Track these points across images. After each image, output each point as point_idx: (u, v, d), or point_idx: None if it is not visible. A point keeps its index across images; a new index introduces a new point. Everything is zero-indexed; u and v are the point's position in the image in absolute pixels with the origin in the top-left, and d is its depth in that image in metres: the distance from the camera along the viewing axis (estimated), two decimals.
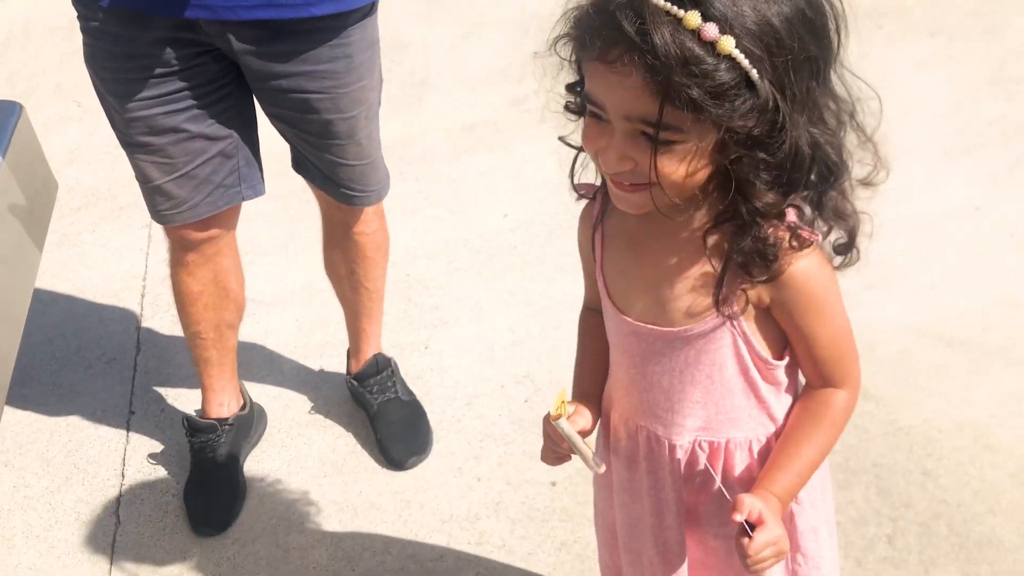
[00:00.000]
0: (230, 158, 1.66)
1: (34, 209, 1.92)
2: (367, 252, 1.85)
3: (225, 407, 1.91)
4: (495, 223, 2.65)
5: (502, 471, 1.86)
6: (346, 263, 1.88)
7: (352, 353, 2.05)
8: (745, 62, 0.77)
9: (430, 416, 1.99)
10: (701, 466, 1.06)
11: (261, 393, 2.13)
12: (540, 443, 1.86)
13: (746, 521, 0.90)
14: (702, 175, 0.85)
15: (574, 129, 0.98)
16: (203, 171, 1.63)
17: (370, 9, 1.55)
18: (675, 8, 0.76)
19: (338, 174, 1.70)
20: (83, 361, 2.31)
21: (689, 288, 0.95)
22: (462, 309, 2.32)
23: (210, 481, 1.88)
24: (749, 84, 0.78)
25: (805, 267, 0.91)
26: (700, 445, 1.05)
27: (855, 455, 1.80)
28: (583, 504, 1.77)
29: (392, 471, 1.89)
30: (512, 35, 3.80)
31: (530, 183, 2.82)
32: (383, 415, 1.95)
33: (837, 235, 0.93)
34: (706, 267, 0.93)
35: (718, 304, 0.92)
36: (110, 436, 2.08)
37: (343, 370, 2.12)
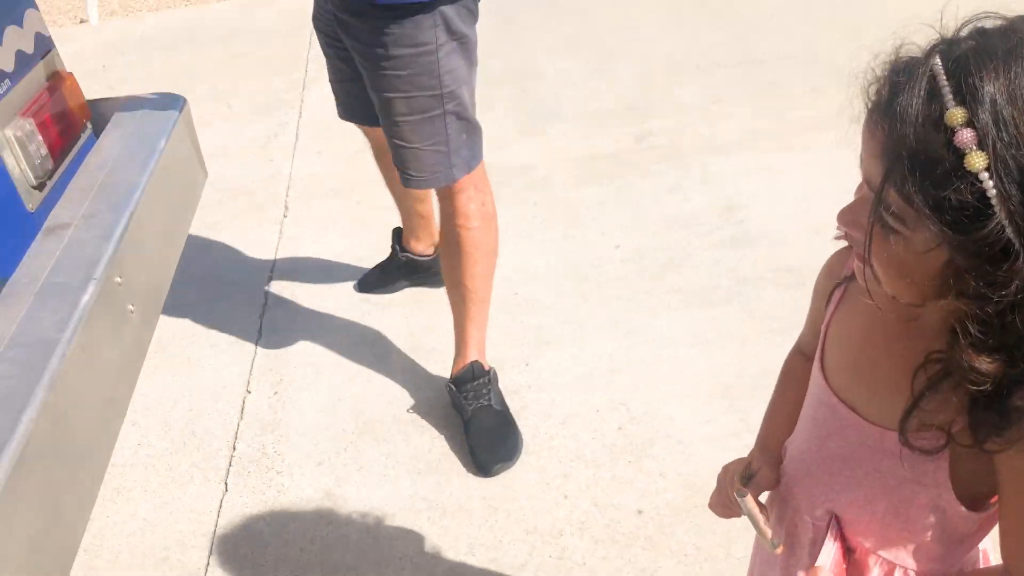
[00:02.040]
0: None
1: (185, 192, 2.10)
2: (466, 247, 1.97)
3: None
4: (607, 253, 2.69)
5: (590, 492, 1.89)
6: (448, 256, 2.02)
7: (455, 357, 2.13)
8: (992, 191, 0.63)
9: (524, 430, 2.04)
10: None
11: (368, 388, 2.23)
12: (630, 470, 1.91)
13: None
14: (922, 290, 0.72)
15: None
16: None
17: (418, 10, 1.71)
18: (947, 92, 0.64)
19: (392, 150, 1.93)
20: (210, 339, 2.48)
21: (901, 392, 0.80)
22: (565, 332, 2.37)
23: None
24: (987, 214, 0.64)
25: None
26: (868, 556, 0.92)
27: None
28: (667, 535, 1.77)
29: (481, 477, 1.95)
30: (641, 73, 3.86)
31: (646, 218, 2.85)
32: (475, 421, 2.02)
33: None
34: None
35: (903, 428, 0.79)
36: (227, 410, 2.22)
37: (448, 375, 2.20)
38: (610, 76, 3.88)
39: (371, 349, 2.38)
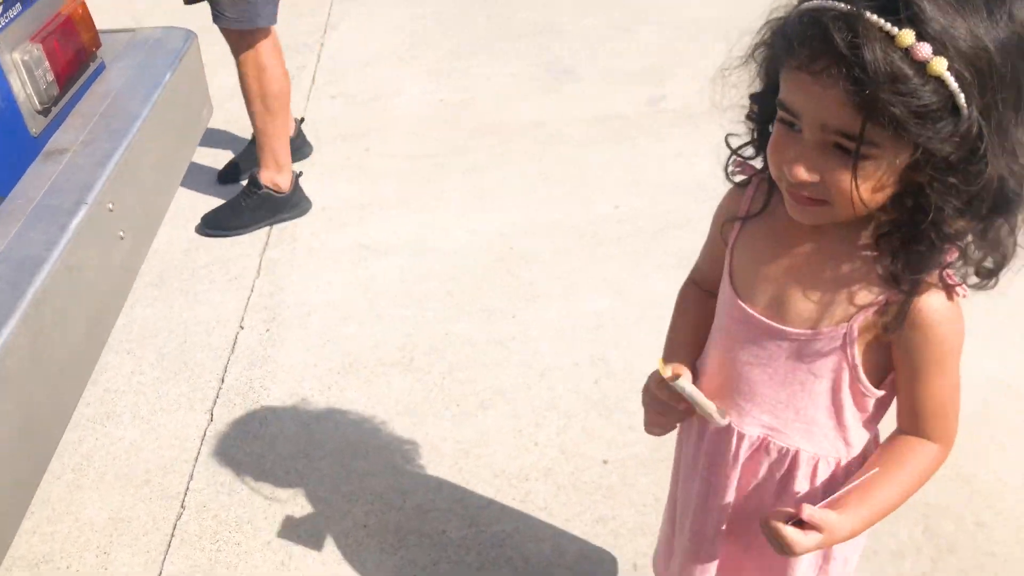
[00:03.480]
0: None
1: (188, 126, 2.14)
2: (248, 92, 2.62)
3: None
4: (606, 212, 2.71)
5: (559, 441, 1.94)
6: (244, 92, 2.65)
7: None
8: (954, 85, 0.74)
9: (503, 380, 2.10)
10: (763, 467, 1.06)
11: (358, 331, 2.29)
12: (600, 422, 1.95)
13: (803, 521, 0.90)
14: (887, 192, 0.83)
15: (735, 131, 1.01)
16: None
17: None
18: (889, 25, 0.74)
19: None
20: (210, 275, 2.55)
21: (821, 297, 0.94)
22: (555, 287, 2.40)
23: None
24: (955, 108, 0.76)
25: (941, 312, 0.89)
26: (768, 447, 1.05)
27: None
28: (629, 485, 1.82)
29: (458, 422, 2.00)
30: (663, 36, 3.83)
31: (648, 180, 2.86)
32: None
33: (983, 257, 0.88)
34: (848, 281, 0.92)
35: (888, 281, 0.90)
36: (219, 344, 2.29)
37: (437, 322, 2.25)
38: (632, 37, 3.85)
39: (364, 294, 2.43)
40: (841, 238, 0.92)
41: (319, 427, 2.01)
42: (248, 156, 2.94)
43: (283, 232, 2.72)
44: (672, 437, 1.94)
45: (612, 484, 1.82)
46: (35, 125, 1.75)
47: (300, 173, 2.84)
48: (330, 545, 1.74)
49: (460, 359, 2.17)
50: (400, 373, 2.15)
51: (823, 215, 0.87)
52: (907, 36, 0.73)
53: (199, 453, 1.99)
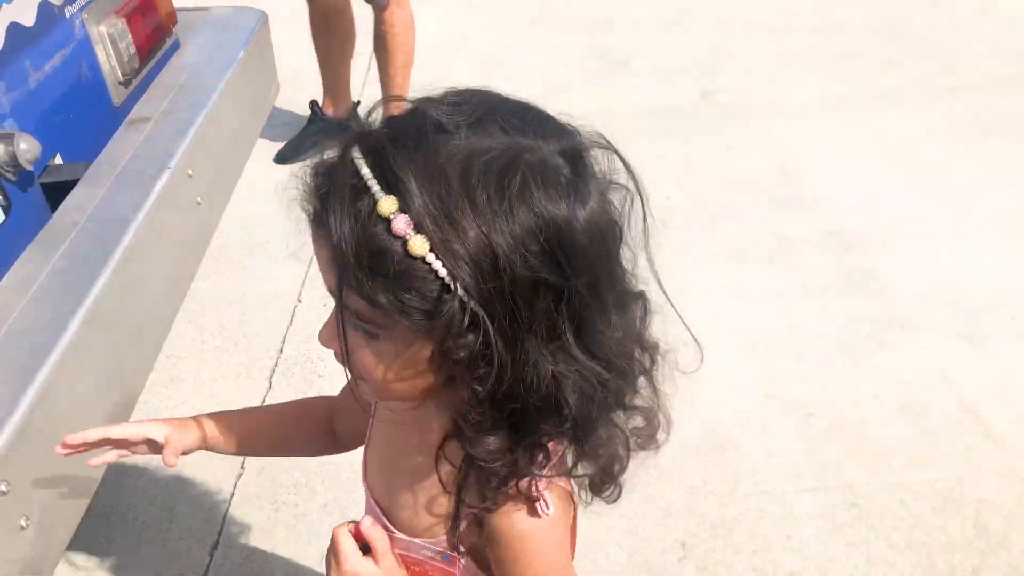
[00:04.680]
0: None
1: (257, 100, 2.21)
2: (390, 47, 2.89)
3: None
4: (656, 203, 2.70)
5: None
6: (379, 51, 2.94)
7: None
8: (442, 270, 0.60)
9: None
10: None
11: None
12: None
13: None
14: (419, 385, 0.69)
15: None
16: None
17: None
18: (374, 185, 0.61)
19: None
20: (268, 252, 2.62)
21: (414, 501, 0.81)
22: None
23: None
24: (447, 292, 0.61)
25: (523, 528, 0.74)
26: None
27: (960, 486, 1.78)
28: (677, 466, 1.85)
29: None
30: (715, 31, 3.85)
31: (700, 173, 2.88)
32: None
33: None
34: (433, 486, 0.77)
35: (453, 530, 0.78)
36: (277, 318, 2.36)
37: None
38: (683, 31, 3.87)
39: None
40: (422, 432, 0.77)
41: None
42: (303, 137, 3.04)
43: None
44: (722, 423, 1.97)
45: (661, 465, 1.86)
46: (117, 95, 1.82)
47: (358, 101, 3.15)
48: None
49: None
50: None
51: (371, 393, 0.73)
52: (388, 204, 0.60)
53: None
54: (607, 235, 0.66)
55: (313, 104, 3.07)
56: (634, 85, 3.47)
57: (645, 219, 0.72)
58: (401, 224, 0.60)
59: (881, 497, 1.78)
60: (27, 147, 1.47)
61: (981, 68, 3.49)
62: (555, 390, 0.65)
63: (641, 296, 0.75)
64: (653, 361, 0.78)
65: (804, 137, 3.05)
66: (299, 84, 3.28)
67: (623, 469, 0.77)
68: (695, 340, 0.83)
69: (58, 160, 1.59)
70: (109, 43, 1.79)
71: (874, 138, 3.04)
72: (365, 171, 0.62)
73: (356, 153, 0.63)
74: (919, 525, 1.71)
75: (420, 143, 0.62)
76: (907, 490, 1.79)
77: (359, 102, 3.16)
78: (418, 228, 0.60)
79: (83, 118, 1.72)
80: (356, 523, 0.84)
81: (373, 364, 0.68)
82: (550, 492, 0.74)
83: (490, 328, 0.62)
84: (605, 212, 0.66)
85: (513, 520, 0.74)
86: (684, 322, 0.83)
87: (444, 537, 0.80)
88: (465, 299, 0.61)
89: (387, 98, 0.71)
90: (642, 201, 0.72)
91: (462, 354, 0.64)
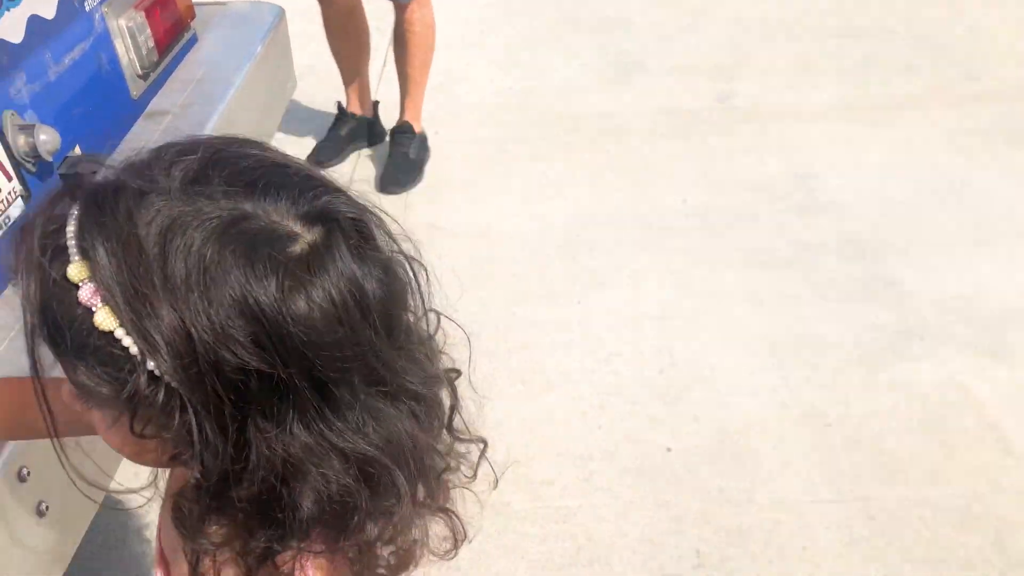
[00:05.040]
0: None
1: (275, 96, 2.20)
2: (410, 46, 2.87)
3: None
4: (673, 206, 2.72)
5: (623, 426, 1.96)
6: (398, 48, 2.93)
7: (398, 117, 3.00)
8: (133, 347, 0.54)
9: (567, 362, 2.13)
10: None
11: None
12: (665, 411, 1.97)
13: None
14: (146, 458, 0.64)
15: None
16: None
17: None
18: (72, 247, 0.55)
19: None
20: None
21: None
22: (621, 276, 2.42)
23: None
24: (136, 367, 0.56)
25: None
26: None
27: (980, 502, 1.76)
28: (692, 474, 1.84)
29: (523, 399, 2.03)
30: (732, 32, 3.82)
31: (717, 176, 2.86)
32: (392, 159, 2.92)
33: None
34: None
35: None
36: None
37: (503, 303, 2.30)
38: (700, 32, 3.84)
39: (432, 272, 2.47)
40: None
41: None
42: (335, 137, 3.03)
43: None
44: (738, 431, 1.95)
45: (676, 471, 1.84)
46: (136, 88, 1.81)
47: (377, 101, 3.14)
48: None
49: (526, 339, 2.21)
50: (466, 349, 2.18)
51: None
52: (78, 270, 0.55)
53: None
54: (348, 320, 0.56)
55: (339, 104, 3.06)
56: (650, 86, 3.45)
57: (422, 298, 0.66)
58: (86, 294, 0.55)
59: (899, 511, 1.76)
60: (47, 138, 1.47)
61: (1003, 75, 3.46)
62: (286, 484, 0.58)
63: (426, 396, 0.65)
64: (447, 467, 0.71)
65: (822, 141, 3.02)
66: (316, 78, 3.28)
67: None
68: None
69: (77, 151, 1.58)
70: (128, 37, 1.78)
71: (893, 144, 3.02)
72: (71, 228, 0.56)
73: (61, 207, 0.57)
74: (937, 541, 1.69)
75: (118, 204, 0.55)
76: (925, 505, 1.77)
77: (378, 101, 3.14)
78: (105, 300, 0.54)
79: (102, 110, 1.71)
80: None
81: (99, 429, 0.63)
82: (316, 570, 0.65)
83: (195, 409, 0.55)
84: (354, 290, 0.56)
85: None
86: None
87: None
88: (161, 377, 0.55)
89: (83, 158, 0.62)
90: (426, 275, 0.66)
91: (165, 434, 0.57)
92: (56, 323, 0.57)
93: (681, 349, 2.16)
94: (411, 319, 0.65)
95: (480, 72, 3.59)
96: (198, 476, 0.59)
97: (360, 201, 0.61)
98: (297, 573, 0.63)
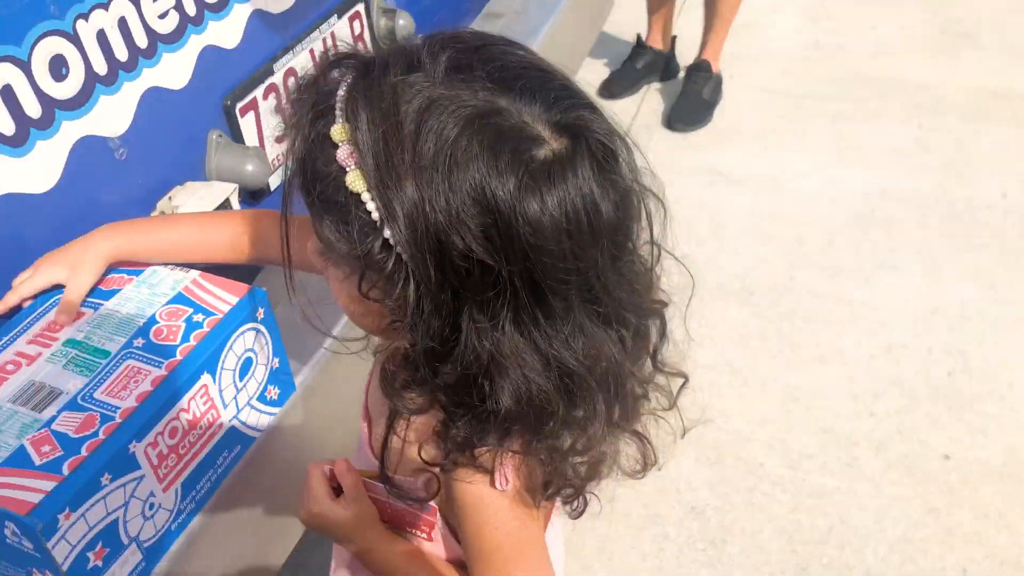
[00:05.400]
0: None
1: (598, 12, 2.21)
2: None
3: None
4: (989, 198, 2.44)
5: (897, 419, 1.82)
6: None
7: (697, 53, 2.87)
8: (374, 212, 0.57)
9: (844, 342, 1.99)
10: None
11: (697, 252, 2.28)
12: (948, 416, 1.80)
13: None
14: (367, 321, 0.67)
15: None
16: None
17: None
18: (338, 108, 0.59)
19: None
20: None
21: (403, 442, 0.73)
22: (917, 263, 2.22)
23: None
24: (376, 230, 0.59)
25: (479, 496, 0.69)
26: None
27: None
28: (971, 489, 1.67)
29: (791, 367, 1.94)
30: None
31: None
32: (684, 96, 2.81)
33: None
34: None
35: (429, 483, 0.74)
36: None
37: (782, 264, 2.19)
38: None
39: (710, 217, 2.40)
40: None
41: None
42: (629, 70, 2.98)
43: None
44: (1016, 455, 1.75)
45: (951, 481, 1.69)
46: None
47: (675, 36, 3.04)
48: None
49: (802, 307, 2.09)
50: (737, 304, 2.12)
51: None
52: (340, 132, 0.58)
53: None
54: (578, 234, 0.57)
55: (638, 36, 2.99)
56: (978, 62, 3.08)
57: (653, 241, 0.66)
58: (343, 154, 0.58)
59: None
60: (404, 23, 1.55)
61: None
62: (488, 377, 0.60)
63: (636, 325, 0.66)
64: (644, 395, 0.71)
65: None
66: (620, 8, 3.24)
67: (580, 487, 0.70)
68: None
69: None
70: None
71: None
72: (341, 92, 0.59)
73: (338, 73, 0.61)
74: None
75: (385, 78, 0.58)
76: None
77: (676, 36, 3.06)
78: (358, 164, 0.57)
79: (447, 5, 1.79)
80: (332, 464, 0.79)
81: (332, 284, 0.67)
82: (514, 471, 0.68)
83: (418, 283, 0.58)
84: (587, 207, 0.57)
85: (470, 487, 0.69)
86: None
87: (422, 483, 0.75)
88: (393, 246, 0.58)
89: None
90: (665, 213, 0.66)
91: (387, 301, 0.61)
92: (312, 176, 0.60)
93: (977, 355, 1.96)
94: (635, 249, 0.65)
95: (787, 20, 3.38)
96: (408, 346, 0.62)
97: (614, 125, 0.61)
98: (497, 469, 0.67)
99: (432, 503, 0.76)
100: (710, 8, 2.82)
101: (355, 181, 0.57)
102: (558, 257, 0.57)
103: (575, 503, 0.73)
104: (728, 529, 1.64)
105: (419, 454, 0.69)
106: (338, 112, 0.59)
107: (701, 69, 2.85)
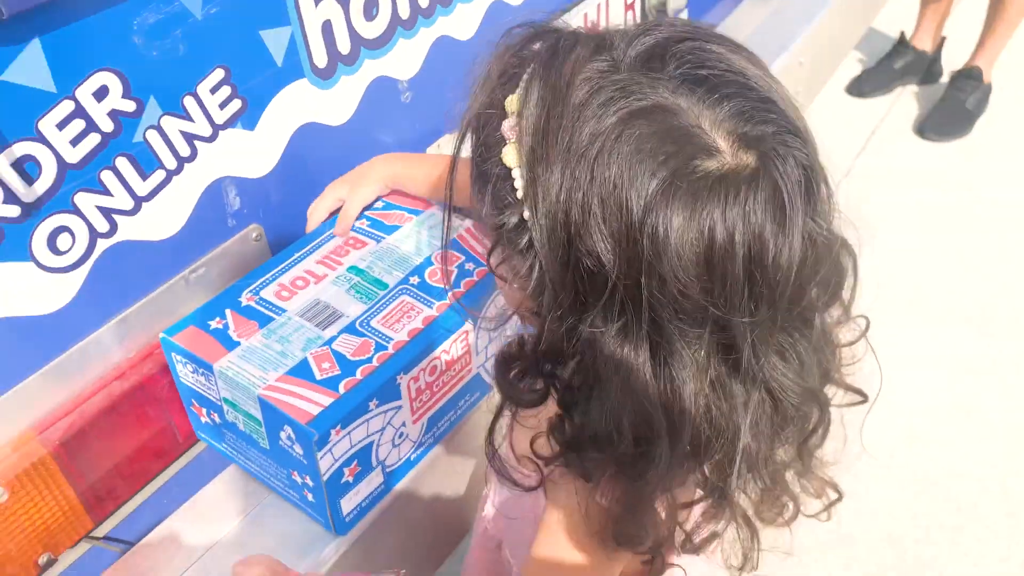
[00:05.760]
0: None
1: (869, 5, 2.07)
2: None
3: None
4: None
5: None
6: None
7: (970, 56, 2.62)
8: (519, 191, 0.55)
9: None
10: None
11: None
12: None
13: None
14: (510, 294, 0.64)
15: None
16: None
17: None
18: (522, 80, 0.56)
19: None
20: None
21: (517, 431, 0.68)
22: None
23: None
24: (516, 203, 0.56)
25: (556, 494, 0.65)
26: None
27: None
28: None
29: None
30: None
31: None
32: (946, 102, 2.58)
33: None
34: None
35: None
36: None
37: None
38: None
39: None
40: None
41: None
42: (885, 69, 2.77)
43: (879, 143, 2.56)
44: None
45: None
46: None
47: (944, 37, 2.79)
48: None
49: None
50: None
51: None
52: (513, 103, 0.56)
53: None
54: (717, 268, 0.50)
55: (901, 33, 2.75)
56: None
57: (847, 308, 0.60)
58: (507, 126, 0.57)
59: None
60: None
61: None
62: (589, 387, 0.57)
63: (780, 399, 0.57)
64: (780, 480, 0.63)
65: None
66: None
67: (655, 547, 0.63)
68: None
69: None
70: None
71: None
72: (527, 64, 0.57)
73: (538, 46, 0.58)
74: None
75: (568, 56, 0.54)
76: None
77: (945, 37, 2.81)
78: (518, 139, 0.55)
79: None
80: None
81: (501, 271, 0.63)
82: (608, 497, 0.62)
83: (543, 271, 0.55)
84: (750, 240, 0.49)
85: (558, 487, 0.64)
86: None
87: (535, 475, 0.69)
88: (529, 228, 0.55)
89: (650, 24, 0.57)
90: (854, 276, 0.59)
91: (513, 280, 0.59)
92: (479, 135, 0.60)
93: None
94: (823, 314, 0.59)
95: None
96: (525, 336, 0.61)
97: (819, 159, 0.53)
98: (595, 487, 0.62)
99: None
100: (995, 8, 2.54)
101: (509, 155, 0.56)
102: (681, 285, 0.50)
103: (655, 562, 0.66)
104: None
105: (531, 445, 0.64)
106: (521, 83, 0.57)
107: (971, 76, 2.60)
